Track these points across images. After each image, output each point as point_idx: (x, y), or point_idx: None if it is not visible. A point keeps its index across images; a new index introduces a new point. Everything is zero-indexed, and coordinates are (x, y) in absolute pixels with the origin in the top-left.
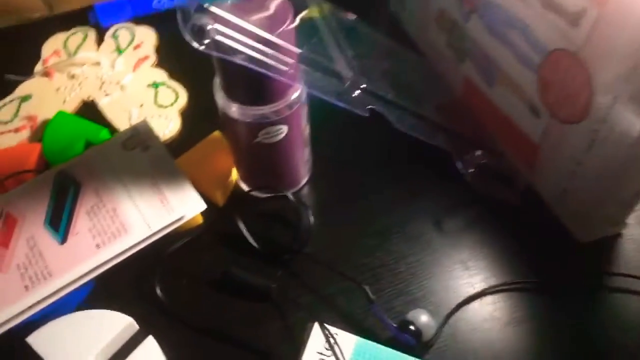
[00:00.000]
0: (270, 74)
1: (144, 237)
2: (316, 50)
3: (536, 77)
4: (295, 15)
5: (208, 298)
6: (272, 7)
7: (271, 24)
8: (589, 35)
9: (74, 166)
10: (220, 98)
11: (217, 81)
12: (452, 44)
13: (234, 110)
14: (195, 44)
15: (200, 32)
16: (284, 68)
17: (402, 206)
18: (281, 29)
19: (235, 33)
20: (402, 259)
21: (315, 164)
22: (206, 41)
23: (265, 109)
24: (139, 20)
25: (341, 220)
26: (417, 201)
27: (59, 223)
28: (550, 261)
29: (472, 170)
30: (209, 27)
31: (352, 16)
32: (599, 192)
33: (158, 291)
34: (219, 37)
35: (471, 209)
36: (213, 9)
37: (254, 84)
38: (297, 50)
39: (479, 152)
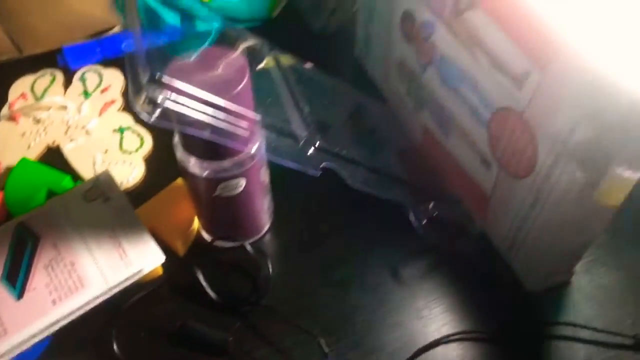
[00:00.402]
0: (226, 140)
1: (102, 292)
2: (272, 110)
3: (486, 132)
4: (252, 69)
5: (166, 352)
6: (228, 67)
7: (227, 86)
8: (532, 96)
9: (34, 218)
10: (179, 152)
11: (176, 136)
12: (411, 93)
13: (192, 164)
14: (144, 117)
15: (151, 104)
16: (240, 132)
17: (360, 256)
18: (236, 91)
19: (189, 101)
20: (359, 309)
21: (276, 212)
22: (157, 114)
23: (223, 164)
24: (107, 62)
25: (300, 270)
26: (374, 251)
27: (16, 278)
28: (502, 310)
29: (425, 221)
30: (160, 98)
31: (309, 65)
32: (545, 244)
33: (115, 347)
34: (171, 107)
35: (427, 258)
36: (165, 78)
37: (210, 142)
38: (253, 115)
39: (431, 205)
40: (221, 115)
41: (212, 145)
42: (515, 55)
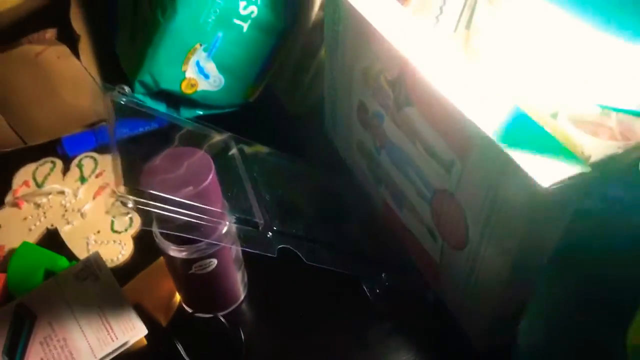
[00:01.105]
0: (195, 231)
1: None
2: (234, 200)
3: (429, 209)
4: (219, 162)
5: None
6: (194, 166)
7: (194, 182)
8: (458, 181)
9: (31, 298)
10: (157, 238)
11: (154, 224)
12: (371, 169)
13: (169, 249)
14: (115, 222)
15: (124, 204)
16: (208, 224)
17: (327, 321)
18: (202, 186)
19: (159, 204)
20: None
21: (250, 282)
22: (128, 217)
23: (196, 246)
24: (102, 149)
25: (272, 337)
26: (339, 317)
27: (15, 354)
28: None
29: (377, 291)
30: (130, 205)
31: (267, 150)
32: (485, 308)
33: None
34: (142, 209)
35: (389, 322)
36: (135, 187)
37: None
38: (219, 207)
39: (383, 275)
40: (188, 212)
41: (183, 236)
42: (443, 146)
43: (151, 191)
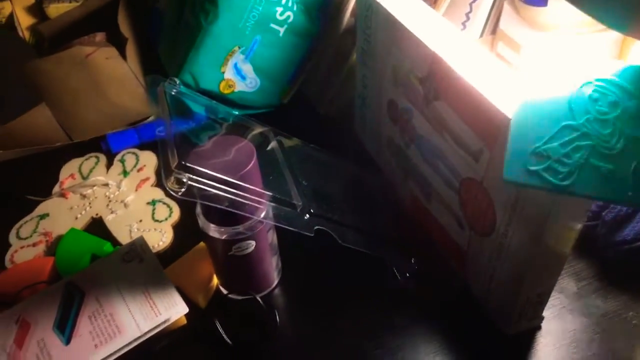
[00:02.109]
0: (238, 211)
1: (135, 337)
2: (275, 185)
3: (457, 198)
4: (260, 151)
5: None
6: (238, 152)
7: (238, 167)
8: (486, 168)
9: (80, 277)
10: (201, 220)
11: (198, 207)
12: (399, 165)
13: (211, 230)
14: (173, 194)
15: (179, 183)
16: (250, 203)
17: (356, 305)
18: (245, 170)
19: (208, 181)
20: (353, 352)
21: (284, 270)
22: (183, 191)
23: (236, 229)
24: (143, 146)
25: (303, 319)
26: (369, 301)
27: (65, 327)
28: (481, 352)
29: (407, 275)
30: (186, 180)
31: (303, 143)
32: (510, 292)
33: None
34: (194, 185)
35: (417, 307)
36: (189, 164)
37: (226, 211)
38: (260, 190)
39: (412, 260)
40: (233, 190)
41: (227, 214)
42: (471, 136)
43: (201, 168)
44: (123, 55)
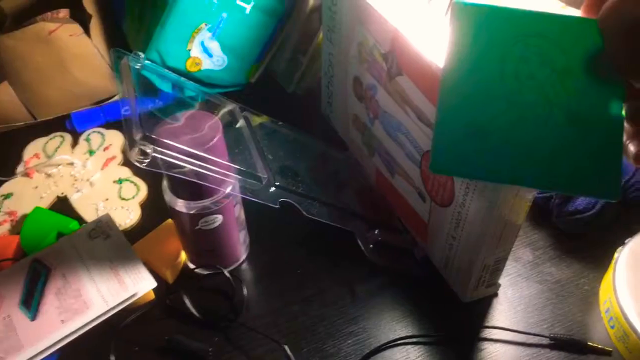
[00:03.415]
0: (203, 182)
1: (102, 312)
2: (241, 159)
3: (419, 171)
4: (228, 128)
5: None
6: (203, 125)
7: (203, 140)
8: None
9: (46, 254)
10: (167, 195)
11: (164, 182)
12: (365, 141)
13: (178, 204)
14: (137, 164)
15: (143, 154)
16: (215, 176)
17: (322, 277)
18: (211, 143)
19: (172, 152)
20: (321, 321)
21: (252, 245)
22: (147, 161)
23: (203, 203)
24: (109, 125)
25: (271, 292)
26: (334, 273)
27: (31, 303)
28: (441, 318)
29: (371, 246)
30: (149, 150)
31: (271, 120)
32: (468, 260)
33: (113, 359)
34: (158, 157)
35: (379, 277)
36: (154, 135)
37: (192, 185)
38: (225, 162)
39: (376, 231)
40: (198, 162)
41: (193, 188)
42: (432, 111)
43: (167, 140)
44: (87, 32)
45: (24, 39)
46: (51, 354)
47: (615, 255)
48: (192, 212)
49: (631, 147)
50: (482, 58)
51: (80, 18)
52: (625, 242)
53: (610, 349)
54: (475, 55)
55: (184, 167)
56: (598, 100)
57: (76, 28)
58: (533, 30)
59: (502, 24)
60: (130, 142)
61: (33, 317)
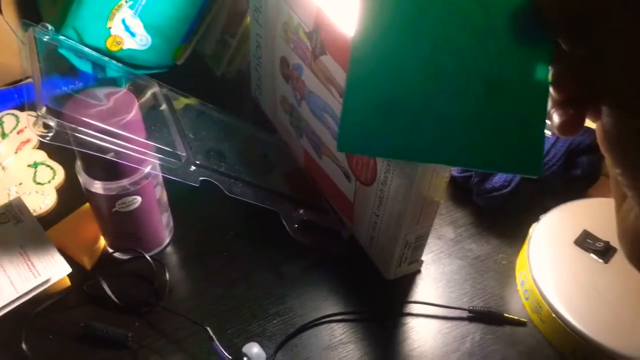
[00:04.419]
0: (119, 160)
1: (12, 299)
2: (160, 137)
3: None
4: (148, 107)
5: (72, 351)
6: (116, 100)
7: (116, 115)
8: None
9: None
10: (82, 176)
11: (77, 162)
12: (292, 123)
13: (92, 185)
14: (40, 138)
15: (47, 127)
16: (131, 153)
17: (248, 259)
18: (126, 120)
19: (80, 127)
20: (245, 303)
21: (176, 228)
22: (50, 134)
23: (120, 183)
24: (24, 107)
25: (195, 275)
26: (259, 255)
27: None
28: (367, 295)
29: (296, 225)
30: (52, 123)
31: (197, 101)
32: (391, 237)
33: (24, 347)
34: (66, 132)
35: (306, 258)
36: (61, 110)
37: (105, 164)
38: (141, 139)
39: (301, 211)
40: (110, 138)
41: (108, 167)
42: None
43: (75, 115)
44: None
45: None
46: None
47: (530, 230)
48: (108, 193)
49: (555, 117)
50: (394, 20)
51: None
52: (540, 217)
53: (525, 320)
54: (387, 17)
55: (97, 144)
56: (521, 65)
57: None
58: None
59: None
60: (33, 113)
61: None
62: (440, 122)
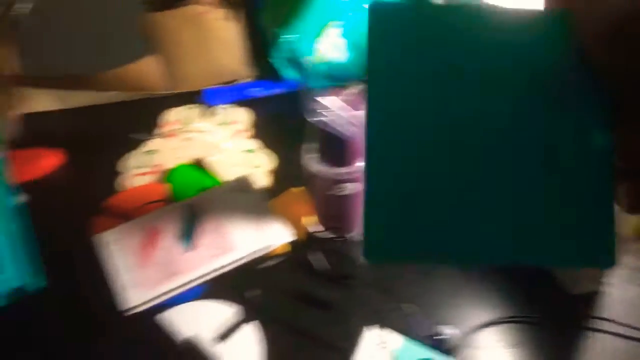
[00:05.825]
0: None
1: (245, 254)
2: None
3: None
4: None
5: (285, 304)
6: (353, 97)
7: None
8: None
9: (197, 201)
10: (309, 159)
11: (306, 146)
12: None
13: (318, 169)
14: (309, 120)
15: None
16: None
17: None
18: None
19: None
20: (434, 293)
21: None
22: (316, 119)
23: (342, 170)
24: (239, 103)
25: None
26: None
27: (187, 238)
28: (550, 305)
29: None
30: (319, 110)
31: None
32: None
33: (246, 296)
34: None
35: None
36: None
37: (336, 153)
38: None
39: None
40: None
41: (337, 156)
42: None
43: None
44: (232, 18)
45: (176, 18)
46: (201, 284)
47: None
48: (332, 177)
49: (624, 194)
50: (408, 89)
51: (228, 4)
52: None
53: None
54: (399, 87)
55: (346, 130)
56: (573, 131)
57: (223, 13)
58: (477, 34)
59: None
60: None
61: (188, 249)
62: (479, 211)
